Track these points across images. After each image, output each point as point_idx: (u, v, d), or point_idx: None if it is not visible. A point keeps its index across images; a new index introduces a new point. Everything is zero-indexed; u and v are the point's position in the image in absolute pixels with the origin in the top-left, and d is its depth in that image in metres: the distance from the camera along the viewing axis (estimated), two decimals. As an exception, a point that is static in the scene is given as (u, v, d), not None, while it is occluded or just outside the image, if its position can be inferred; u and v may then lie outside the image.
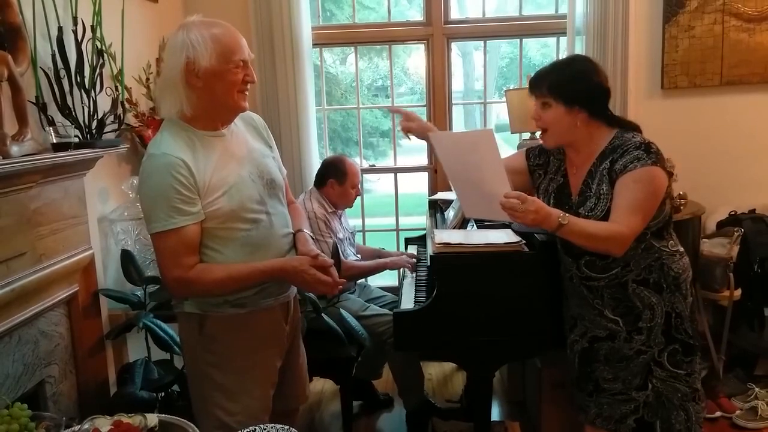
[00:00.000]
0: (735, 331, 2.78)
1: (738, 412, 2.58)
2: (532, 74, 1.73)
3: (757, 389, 2.61)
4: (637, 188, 1.57)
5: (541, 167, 1.84)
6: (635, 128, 1.71)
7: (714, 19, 2.96)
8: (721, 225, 2.86)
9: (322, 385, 3.07)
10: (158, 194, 1.45)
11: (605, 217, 1.60)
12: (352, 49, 3.50)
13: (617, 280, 1.67)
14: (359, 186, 2.79)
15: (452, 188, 1.82)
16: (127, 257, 2.19)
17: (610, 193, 1.61)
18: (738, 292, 2.68)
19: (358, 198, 3.03)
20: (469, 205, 1.86)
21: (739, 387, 2.69)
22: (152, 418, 1.34)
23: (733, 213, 2.87)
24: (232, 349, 1.57)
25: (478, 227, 2.31)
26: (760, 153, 3.05)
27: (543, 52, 8.31)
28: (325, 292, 1.64)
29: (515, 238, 1.94)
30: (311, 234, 1.72)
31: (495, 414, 2.76)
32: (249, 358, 1.59)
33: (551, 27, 3.21)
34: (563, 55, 3.19)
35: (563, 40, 3.14)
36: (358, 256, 2.87)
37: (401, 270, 2.76)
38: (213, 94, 1.49)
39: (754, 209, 2.90)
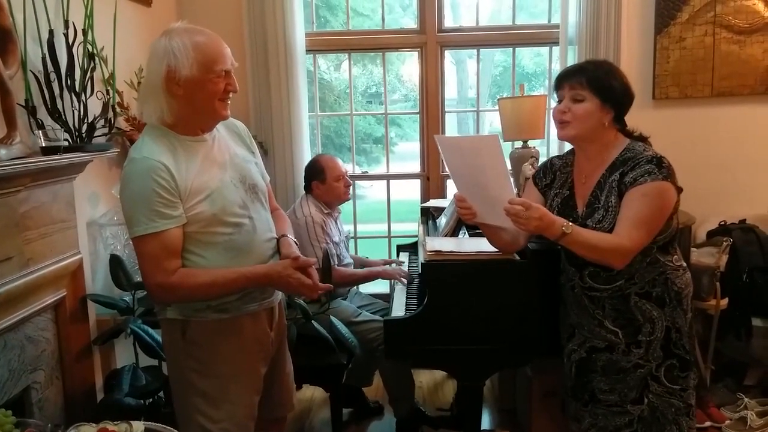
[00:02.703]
0: (722, 340, 2.79)
1: (727, 422, 2.59)
2: (560, 73, 1.71)
3: (746, 399, 2.62)
4: (644, 202, 1.56)
5: (549, 186, 1.83)
6: (644, 140, 1.71)
7: (705, 31, 2.99)
8: (711, 234, 2.88)
9: (312, 393, 3.05)
10: (139, 198, 1.44)
11: (612, 230, 1.59)
12: (346, 55, 3.51)
13: (620, 292, 1.67)
14: (345, 177, 2.77)
15: (458, 191, 1.80)
16: (116, 262, 2.17)
17: (618, 206, 1.60)
18: (725, 302, 2.70)
19: (350, 204, 3.03)
20: (475, 209, 1.82)
21: (729, 397, 2.70)
22: (138, 426, 1.33)
23: (722, 223, 2.88)
24: (215, 355, 1.56)
25: (470, 235, 2.32)
26: (750, 164, 3.07)
27: (536, 61, 8.39)
28: (307, 295, 1.62)
29: (506, 247, 1.94)
30: (295, 239, 1.71)
31: (485, 422, 2.75)
32: (232, 364, 1.57)
33: (544, 36, 3.23)
34: (556, 64, 3.21)
35: (556, 49, 3.16)
36: (351, 260, 2.86)
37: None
38: (193, 102, 1.49)
39: (744, 219, 2.92)
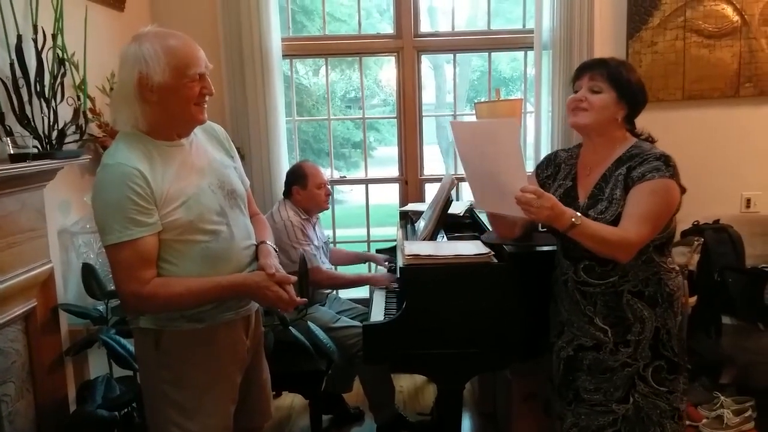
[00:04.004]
0: (692, 338, 2.83)
1: (704, 420, 2.61)
2: (579, 68, 1.73)
3: (722, 398, 2.64)
4: (651, 199, 1.58)
5: (551, 177, 1.84)
6: (653, 142, 1.74)
7: (676, 36, 3.05)
8: (684, 234, 2.93)
9: (291, 400, 3.02)
10: (113, 205, 1.41)
11: (614, 222, 1.61)
12: (324, 60, 3.51)
13: (613, 289, 1.67)
14: (327, 185, 2.77)
15: (466, 179, 1.79)
16: (88, 271, 2.13)
17: (622, 199, 1.62)
18: (693, 299, 2.73)
19: (330, 210, 3.02)
20: (482, 197, 1.81)
21: (705, 396, 2.73)
22: (110, 439, 1.29)
23: (696, 223, 2.94)
24: (189, 365, 1.53)
25: (448, 239, 2.32)
26: (722, 165, 3.14)
27: (512, 66, 8.48)
28: (283, 308, 1.60)
29: (484, 250, 1.95)
30: (275, 246, 1.68)
31: (466, 427, 2.75)
32: (207, 375, 1.54)
33: (519, 41, 3.26)
34: (531, 69, 3.24)
35: (531, 54, 3.19)
36: (331, 266, 2.85)
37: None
38: (168, 108, 1.46)
39: (719, 219, 2.97)
